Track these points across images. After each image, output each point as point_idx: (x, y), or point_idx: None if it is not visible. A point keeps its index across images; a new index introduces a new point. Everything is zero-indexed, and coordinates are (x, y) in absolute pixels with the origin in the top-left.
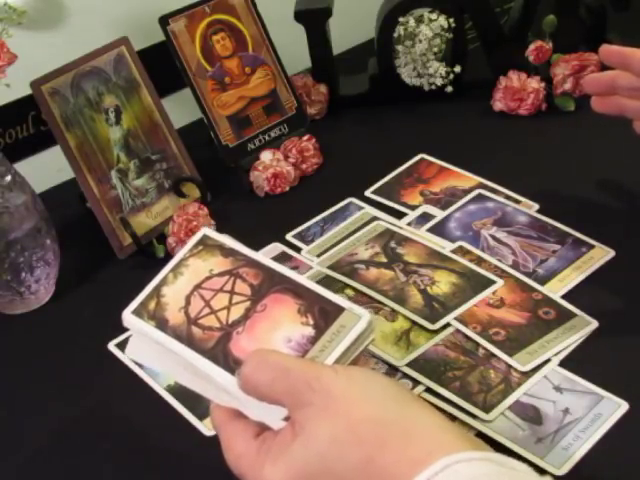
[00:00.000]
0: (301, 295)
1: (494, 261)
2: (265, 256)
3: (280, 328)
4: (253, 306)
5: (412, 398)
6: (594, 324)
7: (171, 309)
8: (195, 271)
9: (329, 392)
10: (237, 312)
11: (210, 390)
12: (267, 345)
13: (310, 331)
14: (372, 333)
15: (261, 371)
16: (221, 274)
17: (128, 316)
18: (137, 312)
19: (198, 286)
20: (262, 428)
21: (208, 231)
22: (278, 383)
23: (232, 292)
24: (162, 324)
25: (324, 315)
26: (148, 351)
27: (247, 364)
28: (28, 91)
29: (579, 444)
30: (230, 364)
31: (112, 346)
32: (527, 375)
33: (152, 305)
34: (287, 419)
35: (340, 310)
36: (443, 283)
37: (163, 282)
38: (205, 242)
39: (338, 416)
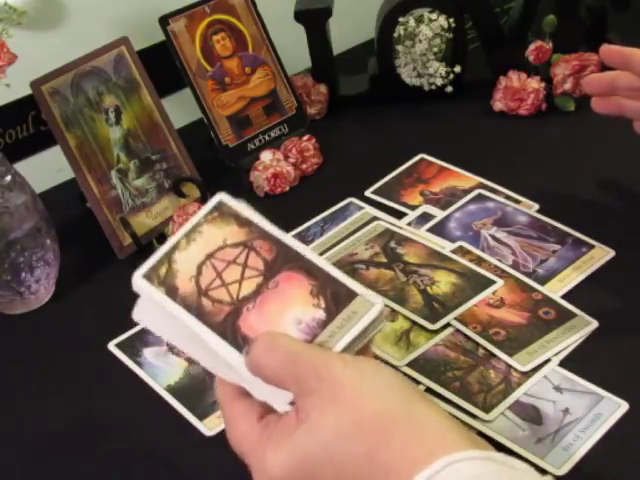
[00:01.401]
0: (315, 275)
1: (494, 261)
2: (278, 229)
3: (291, 308)
4: (265, 282)
5: (419, 395)
6: (594, 324)
7: (182, 277)
8: (208, 239)
9: (337, 383)
10: (248, 287)
11: (215, 365)
12: (276, 325)
13: (321, 314)
14: (383, 322)
15: (270, 354)
16: (235, 245)
17: (138, 280)
18: (147, 276)
19: (211, 255)
20: (266, 410)
21: (225, 197)
22: (286, 368)
23: (245, 265)
24: (172, 291)
25: (336, 299)
26: (155, 317)
27: (256, 346)
28: (28, 91)
29: (579, 444)
30: (238, 341)
31: (112, 346)
32: (527, 375)
33: (163, 270)
34: (292, 403)
35: (353, 295)
36: (443, 283)
37: (175, 247)
38: (221, 209)
39: (345, 408)
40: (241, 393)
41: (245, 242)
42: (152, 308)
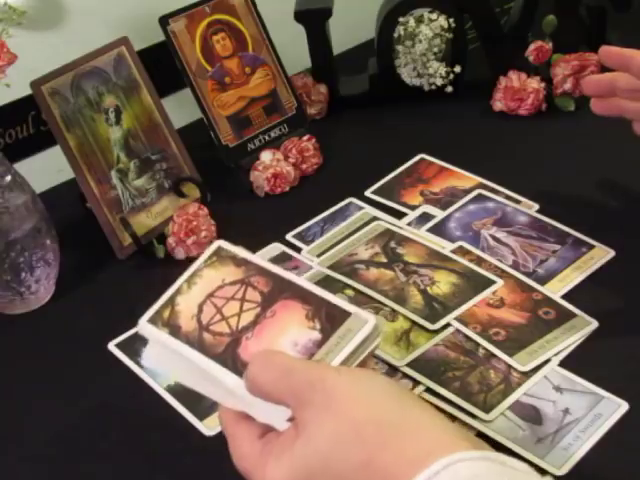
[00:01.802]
0: (309, 301)
1: (494, 261)
2: (274, 264)
3: (288, 333)
4: (262, 312)
5: (413, 399)
6: (594, 324)
7: (184, 317)
8: (208, 281)
9: (331, 392)
10: (247, 318)
11: (219, 393)
12: (274, 348)
13: (317, 335)
14: (378, 337)
15: (265, 371)
16: (233, 283)
17: (143, 324)
18: (152, 320)
19: (211, 295)
20: (267, 429)
21: (223, 243)
22: (282, 382)
23: (243, 299)
24: (175, 331)
25: (331, 319)
26: (162, 358)
27: (252, 364)
28: (28, 91)
29: (579, 444)
30: (238, 368)
31: (112, 346)
32: (527, 375)
33: (166, 313)
34: (291, 420)
35: (347, 315)
36: (443, 283)
37: (178, 292)
38: (219, 253)
39: (340, 416)
40: (243, 417)
41: (242, 279)
42: (158, 350)
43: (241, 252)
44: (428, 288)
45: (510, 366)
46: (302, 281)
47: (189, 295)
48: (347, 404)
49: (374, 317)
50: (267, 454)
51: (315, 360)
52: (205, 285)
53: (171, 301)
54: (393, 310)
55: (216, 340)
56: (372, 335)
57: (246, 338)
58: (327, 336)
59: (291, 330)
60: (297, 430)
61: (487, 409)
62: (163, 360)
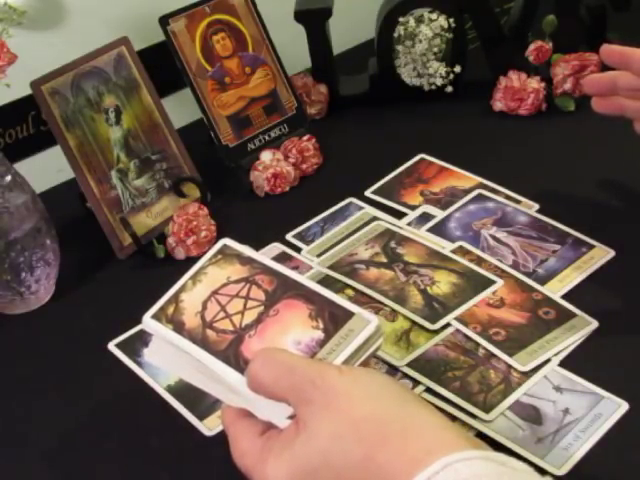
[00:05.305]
0: (313, 300)
1: (494, 261)
2: (278, 263)
3: (291, 332)
4: (266, 311)
5: (413, 398)
6: (594, 324)
7: (188, 313)
8: (213, 278)
9: (332, 390)
10: (250, 316)
11: (221, 391)
12: (276, 346)
13: (319, 335)
14: (380, 338)
15: (267, 368)
16: (237, 281)
17: (147, 320)
18: (156, 316)
19: (215, 292)
20: (268, 427)
21: (228, 241)
22: (283, 380)
23: (247, 297)
24: (179, 327)
25: (334, 319)
26: (165, 354)
27: (254, 361)
28: (28, 91)
29: (579, 444)
30: (241, 365)
31: (112, 346)
32: (527, 375)
33: (171, 310)
34: (292, 417)
35: (350, 315)
36: (443, 283)
37: (182, 289)
38: (224, 251)
39: (340, 413)
40: (244, 414)
41: (247, 277)
42: (162, 346)
43: (246, 250)
44: (428, 288)
45: (510, 366)
46: (306, 281)
47: (193, 292)
48: (348, 402)
49: (377, 318)
50: (268, 451)
51: (317, 359)
52: (210, 282)
53: (175, 298)
54: (393, 310)
55: (219, 337)
56: (374, 336)
57: (249, 336)
58: (330, 336)
59: (294, 329)
60: (298, 427)
61: (487, 409)
62: (166, 356)
